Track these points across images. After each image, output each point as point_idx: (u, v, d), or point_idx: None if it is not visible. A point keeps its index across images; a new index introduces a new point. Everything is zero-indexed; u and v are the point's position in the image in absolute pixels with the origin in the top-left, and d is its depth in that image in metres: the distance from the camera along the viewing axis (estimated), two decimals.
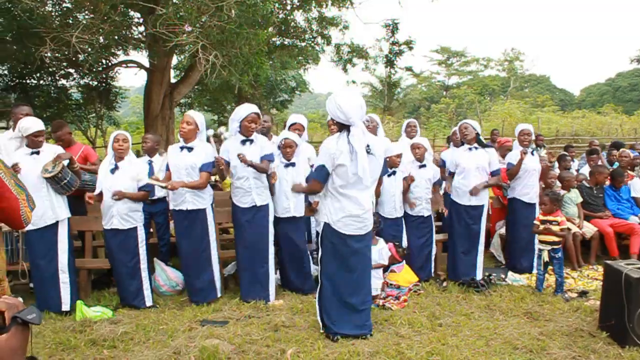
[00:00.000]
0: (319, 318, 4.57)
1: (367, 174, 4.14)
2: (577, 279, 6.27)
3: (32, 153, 5.00)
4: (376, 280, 5.39)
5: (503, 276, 6.27)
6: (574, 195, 7.11)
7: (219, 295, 5.56)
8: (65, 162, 5.00)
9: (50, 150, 5.09)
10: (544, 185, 6.94)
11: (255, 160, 5.35)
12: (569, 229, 6.00)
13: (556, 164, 8.29)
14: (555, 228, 5.67)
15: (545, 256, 5.70)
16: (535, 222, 5.87)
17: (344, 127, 4.20)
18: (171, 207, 5.49)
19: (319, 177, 4.27)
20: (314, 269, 5.76)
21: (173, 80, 13.71)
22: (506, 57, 50.95)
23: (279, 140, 5.75)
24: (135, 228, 5.34)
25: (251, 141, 5.41)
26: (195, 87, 15.63)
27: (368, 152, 4.17)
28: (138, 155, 6.41)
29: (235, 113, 5.40)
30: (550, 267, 5.83)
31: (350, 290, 4.42)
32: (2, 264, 2.40)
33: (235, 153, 5.36)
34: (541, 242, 5.79)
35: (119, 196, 5.15)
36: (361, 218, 4.30)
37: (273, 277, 5.59)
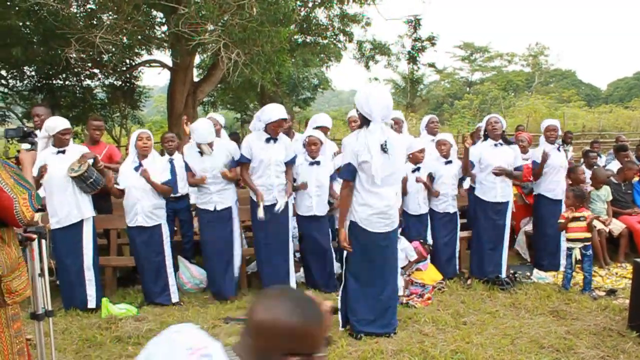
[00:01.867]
0: (340, 315, 4.56)
1: (379, 172, 4.13)
2: (605, 277, 6.15)
3: (58, 152, 5.07)
4: (399, 279, 5.35)
5: (528, 274, 6.18)
6: (604, 193, 6.95)
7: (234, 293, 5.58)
8: (90, 162, 5.06)
9: (76, 149, 5.17)
10: (570, 182, 6.80)
11: (279, 159, 5.38)
12: (594, 226, 5.88)
13: (582, 161, 8.14)
14: (582, 224, 5.57)
15: (578, 254, 5.58)
16: (561, 220, 5.77)
17: (364, 123, 4.21)
18: (198, 205, 5.53)
19: (347, 175, 4.31)
20: (337, 267, 5.75)
21: (196, 79, 13.78)
22: (531, 52, 50.20)
23: (304, 137, 5.74)
24: (159, 225, 5.40)
25: (275, 140, 5.42)
26: (218, 85, 15.68)
27: (384, 151, 4.14)
28: (162, 153, 6.47)
29: (263, 113, 5.38)
30: (577, 265, 5.74)
31: (376, 288, 4.41)
32: (6, 261, 2.41)
33: (258, 150, 5.38)
34: (570, 240, 5.67)
35: (145, 176, 5.22)
36: (387, 215, 4.29)
37: (293, 274, 5.61)
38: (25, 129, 3.12)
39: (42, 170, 4.88)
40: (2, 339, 2.40)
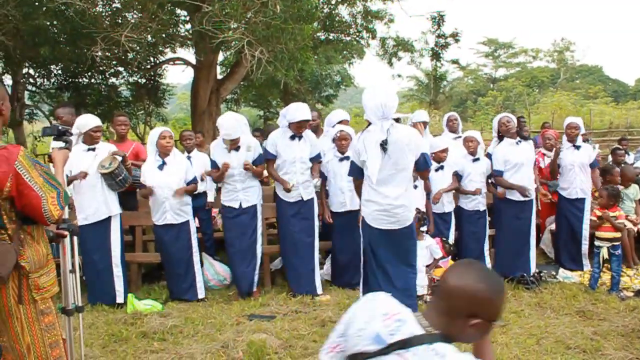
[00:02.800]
0: None
1: (374, 171, 4.12)
2: (634, 277, 6.03)
3: (89, 149, 5.14)
4: (422, 278, 5.29)
5: (554, 273, 6.11)
6: (633, 191, 6.82)
7: (254, 289, 5.59)
8: (120, 159, 5.13)
9: (105, 147, 5.24)
10: (602, 182, 6.68)
11: (303, 156, 5.42)
12: (624, 225, 5.78)
13: (610, 158, 8.00)
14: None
15: (605, 253, 5.50)
16: (592, 217, 5.69)
17: (369, 123, 4.25)
18: (223, 202, 5.57)
19: (352, 174, 4.49)
20: None
21: (219, 77, 13.88)
22: (556, 48, 49.40)
23: (334, 133, 5.74)
24: (187, 222, 5.48)
25: (300, 137, 5.43)
26: (241, 83, 15.77)
27: (384, 150, 4.11)
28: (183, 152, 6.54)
29: (288, 112, 5.40)
30: (605, 265, 5.65)
31: (386, 283, 4.38)
32: (34, 257, 2.46)
33: (283, 147, 5.41)
34: (599, 238, 5.58)
35: (179, 195, 5.33)
36: (391, 213, 4.23)
37: (318, 270, 5.62)
38: (60, 127, 3.15)
39: (82, 177, 4.98)
40: (32, 333, 2.44)
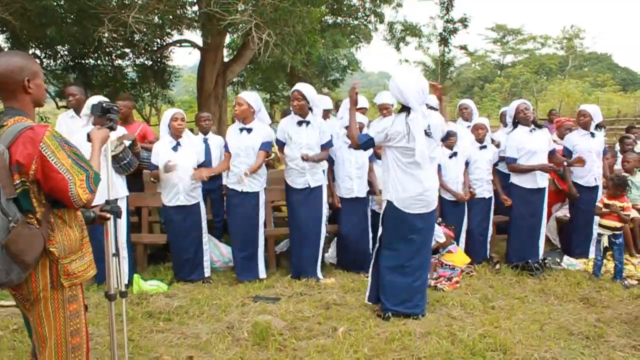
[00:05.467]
0: (367, 293, 4.63)
1: (425, 157, 4.18)
2: (638, 266, 6.04)
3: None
4: None
5: (558, 260, 6.11)
6: (639, 180, 6.81)
7: (261, 276, 5.57)
8: (128, 143, 5.12)
9: (116, 129, 5.22)
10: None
11: (311, 144, 5.39)
12: (629, 217, 5.76)
13: (618, 146, 7.96)
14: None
15: (605, 241, 5.51)
16: (598, 204, 5.68)
17: (404, 108, 4.25)
18: (227, 184, 5.59)
19: (362, 144, 4.44)
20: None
21: (226, 59, 13.80)
22: (565, 35, 48.91)
23: (345, 120, 5.72)
24: (198, 203, 5.53)
25: (307, 123, 5.42)
26: (248, 65, 15.69)
27: (428, 135, 4.17)
28: (195, 133, 6.54)
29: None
30: (609, 253, 5.66)
31: (409, 268, 4.44)
32: (64, 242, 2.43)
33: (291, 134, 5.42)
34: (602, 226, 5.59)
35: (200, 178, 5.37)
36: (424, 196, 4.31)
37: (320, 258, 5.64)
38: (104, 104, 3.05)
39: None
40: (57, 319, 2.43)
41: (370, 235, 5.82)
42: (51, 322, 2.43)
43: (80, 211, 2.61)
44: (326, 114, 6.30)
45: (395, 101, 5.83)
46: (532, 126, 5.88)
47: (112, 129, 3.04)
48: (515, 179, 6.03)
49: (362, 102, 6.33)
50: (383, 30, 16.55)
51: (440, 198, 5.76)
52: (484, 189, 6.12)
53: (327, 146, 5.51)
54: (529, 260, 5.80)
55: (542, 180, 5.94)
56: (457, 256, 5.73)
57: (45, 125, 2.35)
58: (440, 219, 5.74)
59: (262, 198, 5.56)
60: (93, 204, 2.39)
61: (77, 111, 5.77)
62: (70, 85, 5.95)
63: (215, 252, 5.98)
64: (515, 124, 6.00)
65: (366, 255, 5.67)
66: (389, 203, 4.40)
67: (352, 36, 16.91)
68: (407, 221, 4.36)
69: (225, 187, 5.72)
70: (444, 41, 18.11)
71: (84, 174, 2.36)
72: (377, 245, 4.57)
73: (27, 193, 2.31)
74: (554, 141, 7.00)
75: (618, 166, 7.14)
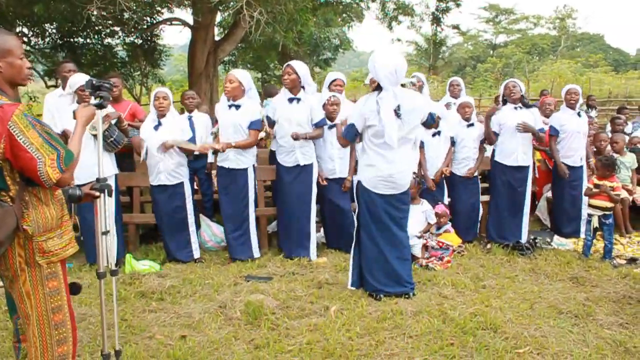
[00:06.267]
0: (350, 273, 4.65)
1: (393, 138, 4.11)
2: (627, 246, 6.10)
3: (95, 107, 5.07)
4: (417, 242, 5.41)
5: (549, 240, 6.15)
6: (630, 160, 6.83)
7: (255, 255, 5.56)
8: (113, 121, 5.08)
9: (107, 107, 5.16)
10: (595, 149, 6.70)
11: (303, 121, 5.36)
12: (619, 197, 5.80)
13: (608, 127, 7.99)
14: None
15: (595, 222, 5.55)
16: (589, 184, 5.72)
17: (378, 87, 4.20)
18: (218, 162, 5.55)
19: (346, 135, 4.40)
20: None
21: (217, 38, 13.68)
22: (558, 15, 48.85)
23: (324, 99, 5.69)
24: (182, 183, 5.45)
25: (298, 100, 5.39)
26: (239, 44, 15.58)
27: (398, 116, 4.12)
28: (182, 112, 6.48)
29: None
30: (598, 233, 5.70)
31: (387, 247, 4.43)
32: (38, 220, 2.41)
33: (281, 112, 5.37)
34: (592, 207, 5.62)
35: (165, 148, 5.25)
36: (392, 177, 4.27)
37: (314, 235, 5.63)
38: (94, 81, 2.97)
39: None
40: (36, 296, 2.44)
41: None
42: (32, 300, 2.44)
43: (62, 189, 2.61)
44: None
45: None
46: (519, 104, 5.89)
47: (101, 106, 2.98)
48: (497, 156, 6.06)
49: (336, 75, 6.23)
50: (375, 9, 16.39)
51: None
52: (470, 167, 6.12)
53: (320, 124, 5.47)
54: (510, 241, 5.85)
55: (523, 159, 5.94)
56: (453, 236, 5.79)
57: (15, 104, 2.32)
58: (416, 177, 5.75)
59: (251, 175, 5.50)
60: (84, 182, 2.38)
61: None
62: (66, 62, 5.82)
63: (208, 231, 5.98)
64: (504, 102, 6.02)
65: (350, 236, 5.70)
66: (359, 183, 4.41)
67: (344, 15, 16.75)
68: (376, 201, 4.35)
69: (216, 165, 5.69)
70: (436, 20, 17.97)
71: (54, 153, 2.34)
72: (356, 225, 4.57)
73: (1, 171, 2.31)
74: (545, 123, 7.03)
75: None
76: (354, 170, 5.49)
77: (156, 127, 5.33)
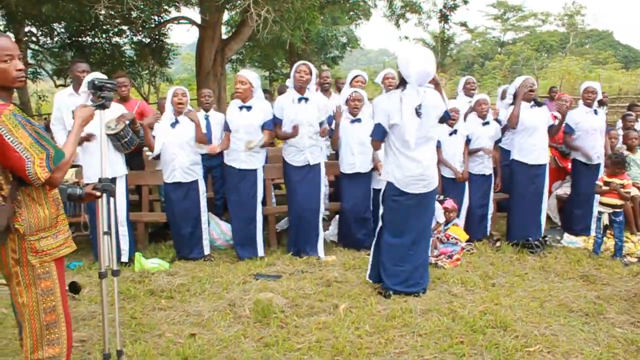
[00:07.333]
0: (368, 271, 4.65)
1: (412, 137, 4.12)
2: (638, 244, 6.05)
3: (97, 108, 5.08)
4: None
5: (559, 238, 6.12)
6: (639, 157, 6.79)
7: (260, 254, 5.57)
8: (127, 122, 5.10)
9: (115, 108, 5.16)
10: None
11: (311, 121, 5.38)
12: (629, 194, 5.75)
13: (619, 124, 7.92)
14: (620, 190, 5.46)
15: (605, 219, 5.52)
16: (598, 182, 5.68)
17: (401, 84, 4.20)
18: (226, 161, 5.56)
19: (376, 136, 4.37)
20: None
21: (224, 37, 13.70)
22: (566, 12, 48.46)
23: (347, 94, 5.68)
24: (196, 181, 5.49)
25: (306, 99, 5.38)
26: (247, 43, 15.58)
27: (418, 115, 4.12)
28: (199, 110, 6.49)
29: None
30: (608, 231, 5.66)
31: (409, 248, 4.44)
32: (31, 220, 2.41)
33: (289, 111, 5.37)
34: (602, 204, 5.58)
35: (192, 117, 5.37)
36: (424, 176, 4.30)
37: (322, 234, 5.64)
38: (96, 81, 2.96)
39: (85, 138, 4.93)
40: (29, 295, 2.43)
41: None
42: (24, 298, 2.45)
43: (60, 188, 2.60)
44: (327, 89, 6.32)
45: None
46: (532, 102, 5.86)
47: (104, 107, 2.96)
48: (517, 155, 6.00)
49: (356, 72, 6.44)
50: (382, 7, 16.38)
51: (441, 175, 5.76)
52: (485, 166, 6.09)
53: (329, 121, 5.49)
54: (530, 238, 5.80)
55: (543, 157, 5.91)
56: (460, 230, 5.77)
57: (5, 104, 2.31)
58: (442, 196, 5.76)
59: (260, 175, 5.53)
60: (87, 182, 2.35)
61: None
62: (79, 62, 5.83)
63: (217, 230, 5.99)
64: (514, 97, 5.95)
65: (368, 232, 5.68)
66: (389, 184, 4.39)
67: (351, 13, 16.75)
68: (407, 201, 4.35)
69: (225, 165, 5.70)
70: (444, 18, 17.91)
71: (44, 153, 2.34)
72: (379, 224, 4.56)
73: None
74: (555, 117, 6.97)
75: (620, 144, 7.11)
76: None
77: (173, 125, 5.36)
